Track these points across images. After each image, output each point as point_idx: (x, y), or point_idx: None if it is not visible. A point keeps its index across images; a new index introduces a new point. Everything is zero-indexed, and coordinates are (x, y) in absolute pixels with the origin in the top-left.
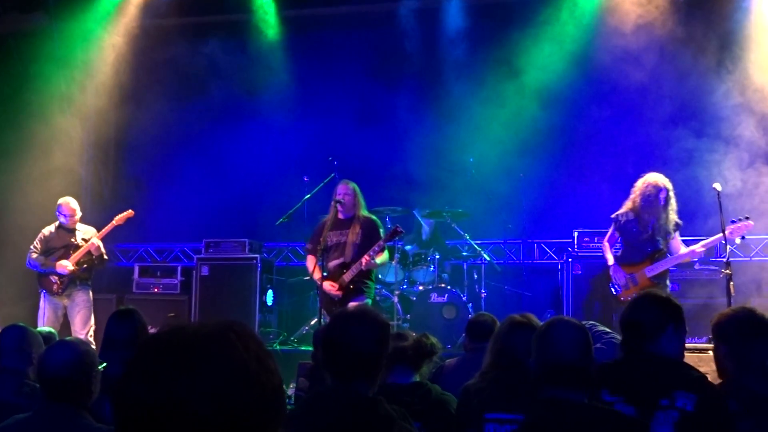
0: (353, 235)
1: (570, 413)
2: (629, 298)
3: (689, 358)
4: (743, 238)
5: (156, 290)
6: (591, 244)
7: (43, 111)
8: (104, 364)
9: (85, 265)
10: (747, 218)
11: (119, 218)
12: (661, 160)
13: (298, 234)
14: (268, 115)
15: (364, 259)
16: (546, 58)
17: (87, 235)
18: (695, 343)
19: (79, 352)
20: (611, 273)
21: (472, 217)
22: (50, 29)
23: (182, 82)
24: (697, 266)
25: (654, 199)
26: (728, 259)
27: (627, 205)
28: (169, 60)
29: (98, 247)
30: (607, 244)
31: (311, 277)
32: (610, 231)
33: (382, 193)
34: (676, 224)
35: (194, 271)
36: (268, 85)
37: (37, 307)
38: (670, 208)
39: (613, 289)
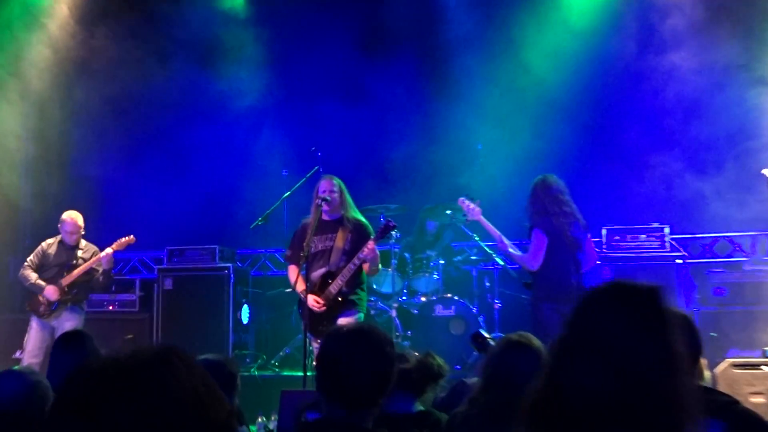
0: (341, 240)
1: None
2: None
3: (741, 375)
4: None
5: (110, 308)
6: (622, 243)
7: None
8: None
9: (75, 290)
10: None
11: (119, 243)
12: (688, 149)
13: (276, 238)
14: (238, 101)
15: (364, 257)
16: (561, 31)
17: (88, 254)
18: (748, 357)
19: (29, 383)
20: None
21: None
22: None
23: (138, 62)
24: (746, 267)
25: None
26: None
27: None
28: (123, 36)
29: (110, 259)
30: None
31: (293, 289)
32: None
33: (375, 189)
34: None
35: (155, 285)
36: (238, 67)
37: None
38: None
39: None
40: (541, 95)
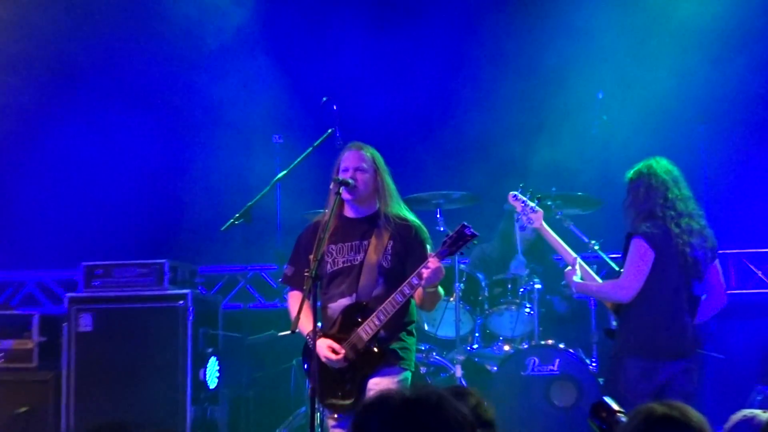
0: (377, 250)
1: None
2: None
3: None
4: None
5: None
6: None
7: None
8: None
9: None
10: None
11: None
12: None
13: (265, 248)
14: (202, 26)
15: (420, 283)
16: None
17: None
18: None
19: None
20: None
21: (603, 209)
22: None
23: None
24: None
25: None
26: None
27: None
28: None
29: None
30: None
31: (294, 331)
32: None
33: (427, 165)
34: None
35: (65, 325)
36: None
37: None
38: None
39: None
40: (693, 17)
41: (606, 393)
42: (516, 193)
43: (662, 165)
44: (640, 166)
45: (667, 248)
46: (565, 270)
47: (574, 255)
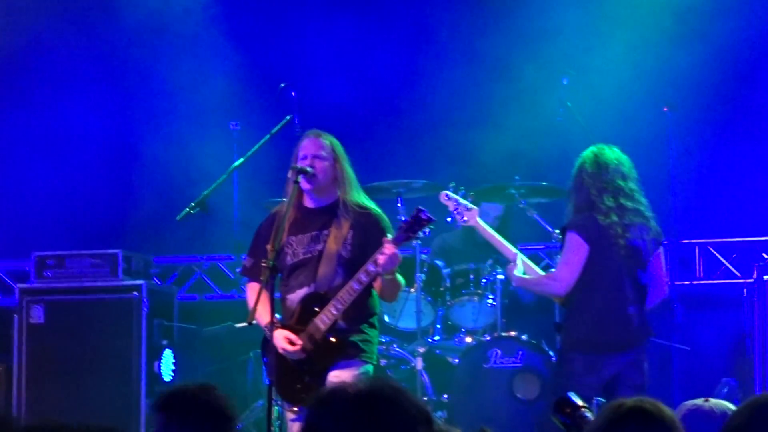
0: (336, 240)
1: None
2: None
3: None
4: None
5: None
6: None
7: None
8: None
9: None
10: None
11: None
12: None
13: (222, 238)
14: (155, 5)
15: (377, 270)
16: None
17: None
18: None
19: None
20: None
21: (568, 198)
22: None
23: None
24: None
25: None
26: None
27: None
28: None
29: None
30: None
31: (251, 322)
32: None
33: (388, 156)
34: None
35: (15, 316)
36: None
37: None
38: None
39: None
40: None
41: (553, 388)
42: (447, 192)
43: (599, 156)
44: (585, 155)
45: (603, 240)
46: (507, 266)
47: (515, 251)
